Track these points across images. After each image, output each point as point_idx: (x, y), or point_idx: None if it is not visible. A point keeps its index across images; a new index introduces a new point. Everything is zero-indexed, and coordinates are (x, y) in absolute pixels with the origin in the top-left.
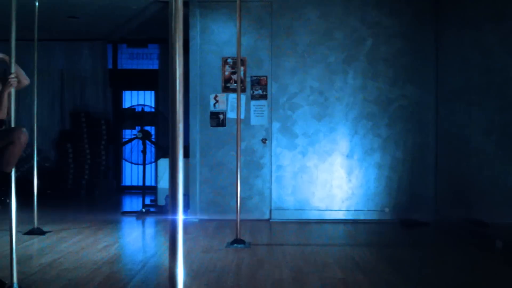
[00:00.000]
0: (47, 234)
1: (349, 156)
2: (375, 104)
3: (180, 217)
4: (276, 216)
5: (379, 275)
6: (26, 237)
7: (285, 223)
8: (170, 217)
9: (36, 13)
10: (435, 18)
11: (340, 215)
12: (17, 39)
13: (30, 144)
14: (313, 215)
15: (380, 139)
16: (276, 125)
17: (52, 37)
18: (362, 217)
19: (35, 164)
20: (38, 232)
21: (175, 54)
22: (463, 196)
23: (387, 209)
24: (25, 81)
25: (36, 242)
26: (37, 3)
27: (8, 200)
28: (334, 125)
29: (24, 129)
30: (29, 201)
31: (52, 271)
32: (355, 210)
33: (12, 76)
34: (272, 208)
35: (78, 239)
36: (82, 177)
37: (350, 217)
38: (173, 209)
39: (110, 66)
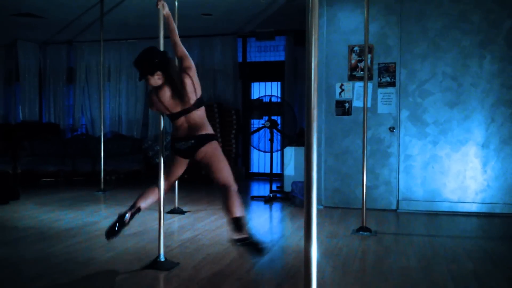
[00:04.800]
0: (186, 214)
1: (484, 145)
2: None
3: (315, 203)
4: (404, 206)
5: None
6: (168, 215)
7: (413, 214)
8: (294, 203)
9: (176, 12)
10: None
11: (473, 208)
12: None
13: (170, 133)
14: (444, 206)
15: None
16: (404, 113)
17: (189, 34)
18: (497, 211)
19: None
20: (179, 211)
21: (311, 46)
22: None
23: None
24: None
25: (176, 220)
26: (176, 3)
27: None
28: (469, 113)
29: None
30: None
31: (192, 246)
32: (490, 203)
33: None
34: (400, 198)
35: (213, 219)
36: None
37: (484, 210)
38: (308, 196)
39: (240, 59)
